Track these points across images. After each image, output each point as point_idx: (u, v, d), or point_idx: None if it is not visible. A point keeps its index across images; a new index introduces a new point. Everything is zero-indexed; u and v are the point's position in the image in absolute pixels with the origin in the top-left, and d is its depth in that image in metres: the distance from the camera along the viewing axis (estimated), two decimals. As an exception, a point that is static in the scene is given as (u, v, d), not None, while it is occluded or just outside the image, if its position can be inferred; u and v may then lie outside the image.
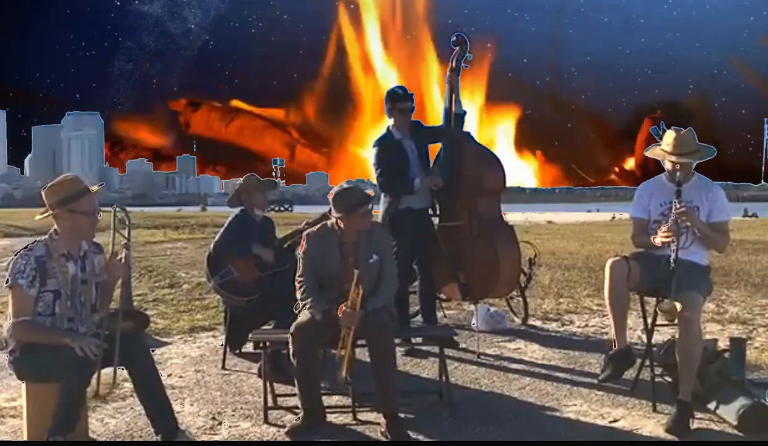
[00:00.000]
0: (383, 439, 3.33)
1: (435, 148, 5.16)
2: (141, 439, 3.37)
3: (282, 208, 54.80)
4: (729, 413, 3.42)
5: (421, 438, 3.36)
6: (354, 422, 3.58)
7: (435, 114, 5.22)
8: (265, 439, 3.41)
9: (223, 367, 4.62)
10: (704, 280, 3.64)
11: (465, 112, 5.04)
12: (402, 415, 3.46)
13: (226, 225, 4.72)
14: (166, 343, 5.36)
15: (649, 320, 3.83)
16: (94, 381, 3.01)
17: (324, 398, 3.62)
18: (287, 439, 3.36)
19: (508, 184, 5.21)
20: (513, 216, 19.00)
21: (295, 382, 3.47)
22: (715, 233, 3.65)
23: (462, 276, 4.93)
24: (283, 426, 3.49)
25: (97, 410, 3.73)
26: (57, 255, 3.05)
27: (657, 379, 3.78)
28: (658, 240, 3.58)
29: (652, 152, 3.76)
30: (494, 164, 4.98)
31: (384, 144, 4.93)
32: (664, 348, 3.98)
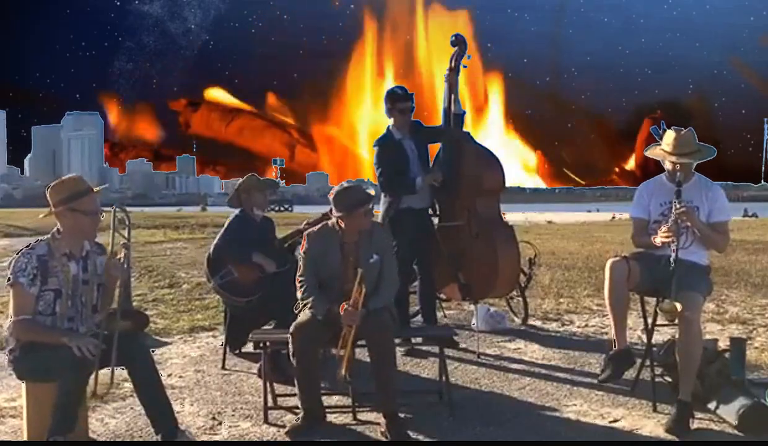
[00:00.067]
0: (383, 439, 3.33)
1: (435, 148, 5.16)
2: (141, 439, 3.37)
3: (282, 208, 54.84)
4: (729, 413, 3.42)
5: (421, 438, 3.36)
6: (354, 422, 3.57)
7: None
8: (265, 439, 3.41)
9: (223, 367, 4.62)
10: (704, 280, 3.64)
11: (464, 112, 5.04)
12: (402, 415, 3.46)
13: (225, 226, 4.71)
14: (166, 343, 5.36)
15: (649, 320, 3.83)
16: (92, 381, 3.01)
17: (324, 398, 3.62)
18: (287, 439, 3.36)
19: (508, 183, 5.21)
20: (513, 216, 19.00)
21: (295, 382, 3.47)
22: (715, 233, 3.65)
23: (461, 276, 4.93)
24: (283, 426, 3.49)
25: (97, 410, 3.73)
26: (59, 255, 3.06)
27: (657, 379, 3.78)
28: (658, 240, 3.58)
29: (652, 152, 3.76)
30: (493, 164, 4.98)
31: (384, 144, 4.93)
32: (664, 348, 3.98)
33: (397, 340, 3.93)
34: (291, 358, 3.41)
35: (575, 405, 3.82)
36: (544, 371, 4.49)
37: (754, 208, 37.55)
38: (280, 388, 3.93)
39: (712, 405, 3.56)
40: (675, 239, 3.50)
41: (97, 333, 3.06)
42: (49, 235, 3.11)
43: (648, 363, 3.84)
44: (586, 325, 5.89)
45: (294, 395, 3.60)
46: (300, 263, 3.63)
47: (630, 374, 3.81)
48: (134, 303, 4.25)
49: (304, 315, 3.47)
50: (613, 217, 30.37)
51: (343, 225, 3.54)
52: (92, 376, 2.98)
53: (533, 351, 5.01)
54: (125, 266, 3.16)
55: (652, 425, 3.48)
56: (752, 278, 8.22)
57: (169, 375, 4.42)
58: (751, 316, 6.12)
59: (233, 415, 3.71)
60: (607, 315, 3.88)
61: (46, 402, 2.91)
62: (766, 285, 7.76)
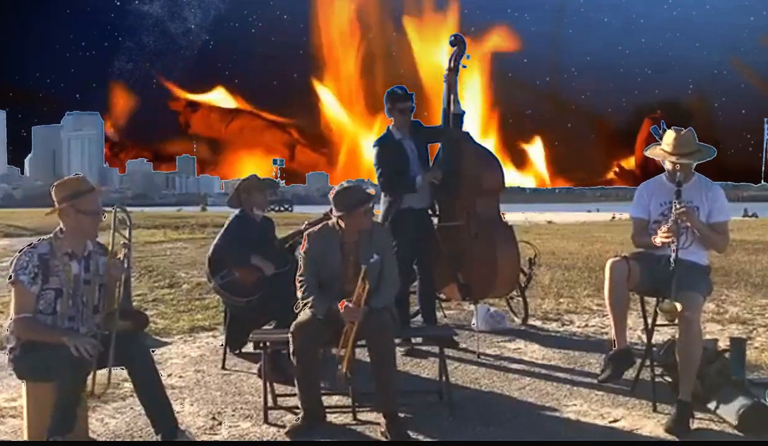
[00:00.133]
0: (383, 439, 3.33)
1: (434, 148, 5.16)
2: (141, 439, 3.37)
3: (282, 208, 54.80)
4: (729, 413, 3.42)
5: (421, 438, 3.36)
6: (354, 422, 3.57)
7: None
8: (265, 439, 3.41)
9: (223, 367, 4.62)
10: (704, 280, 3.64)
11: (464, 112, 5.04)
12: (402, 415, 3.46)
13: (225, 226, 4.72)
14: (166, 343, 5.36)
15: (649, 320, 3.83)
16: (90, 380, 3.01)
17: (324, 398, 3.62)
18: (287, 439, 3.36)
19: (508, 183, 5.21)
20: (513, 216, 18.99)
21: (295, 382, 3.47)
22: (715, 233, 3.65)
23: (461, 276, 4.93)
24: (283, 426, 3.49)
25: (97, 410, 3.73)
26: (60, 254, 3.07)
27: (657, 379, 3.78)
28: (658, 240, 3.58)
29: (652, 152, 3.76)
30: (493, 164, 4.99)
31: (384, 144, 4.93)
32: (664, 348, 3.98)
33: (397, 340, 3.93)
34: (291, 358, 3.41)
35: (575, 405, 3.82)
36: (544, 371, 4.49)
37: (754, 208, 37.54)
38: (280, 388, 3.93)
39: (712, 405, 3.56)
40: (675, 239, 3.50)
41: (96, 333, 3.06)
42: (51, 234, 3.13)
43: (648, 363, 3.84)
44: (586, 325, 5.89)
45: (294, 395, 3.60)
46: (300, 263, 3.63)
47: (630, 374, 3.81)
48: (134, 303, 4.24)
49: (304, 315, 3.47)
50: (613, 217, 30.37)
51: (343, 224, 3.54)
52: (90, 376, 2.99)
53: (533, 351, 5.01)
54: (125, 265, 3.16)
55: (652, 425, 3.48)
56: (752, 278, 8.22)
57: (169, 375, 4.42)
58: (751, 316, 6.12)
59: (233, 415, 3.71)
60: (607, 315, 3.88)
61: (46, 402, 2.91)
62: (766, 285, 7.76)
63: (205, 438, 3.41)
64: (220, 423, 3.59)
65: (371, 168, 5.01)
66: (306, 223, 4.71)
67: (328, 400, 3.72)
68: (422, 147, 5.00)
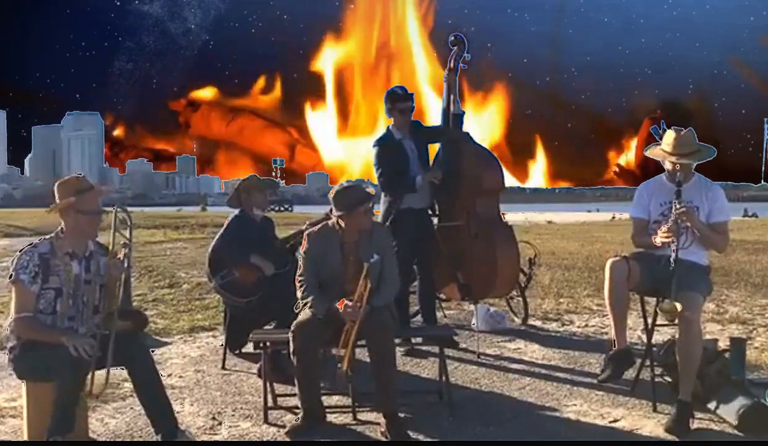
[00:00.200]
0: (383, 439, 3.33)
1: (434, 148, 5.16)
2: (141, 439, 3.37)
3: (282, 208, 54.79)
4: (729, 413, 3.42)
5: (421, 438, 3.36)
6: (354, 422, 3.57)
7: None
8: (265, 439, 3.41)
9: (223, 367, 4.62)
10: (704, 280, 3.64)
11: (464, 113, 5.04)
12: (402, 415, 3.46)
13: (224, 226, 4.72)
14: (166, 343, 5.36)
15: (649, 320, 3.83)
16: (89, 380, 3.01)
17: (324, 398, 3.62)
18: (287, 439, 3.36)
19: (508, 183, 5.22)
20: (513, 216, 19.00)
21: (295, 381, 3.47)
22: (715, 233, 3.65)
23: (461, 276, 4.93)
24: (283, 426, 3.49)
25: (97, 410, 3.73)
26: (61, 254, 3.07)
27: (657, 379, 3.78)
28: (658, 240, 3.58)
29: (652, 152, 3.76)
30: (493, 164, 4.98)
31: (384, 144, 4.93)
32: (664, 348, 3.98)
33: (397, 340, 3.93)
34: (291, 357, 3.41)
35: (575, 405, 3.82)
36: (544, 371, 4.49)
37: (754, 208, 37.54)
38: (280, 388, 3.93)
39: (712, 405, 3.56)
40: (675, 239, 3.50)
41: (95, 333, 3.06)
42: (53, 234, 3.13)
43: (648, 363, 3.84)
44: (586, 325, 5.89)
45: (294, 395, 3.60)
46: (300, 263, 3.63)
47: (630, 374, 3.81)
48: (134, 303, 4.24)
49: (304, 314, 3.47)
50: (613, 217, 30.38)
51: (343, 224, 3.55)
52: (89, 376, 2.99)
53: (533, 351, 5.01)
54: (125, 265, 3.17)
55: (652, 425, 3.48)
56: (752, 278, 8.22)
57: (169, 375, 4.42)
58: (751, 316, 6.12)
59: (233, 415, 3.71)
60: (607, 315, 3.88)
61: (46, 402, 2.91)
62: (766, 285, 7.76)
63: (205, 438, 3.41)
64: (220, 423, 3.59)
65: (370, 168, 5.02)
66: (307, 223, 4.71)
67: (328, 400, 3.72)
68: (422, 147, 5.00)
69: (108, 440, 3.38)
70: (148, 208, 46.96)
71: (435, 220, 5.11)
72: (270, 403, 3.69)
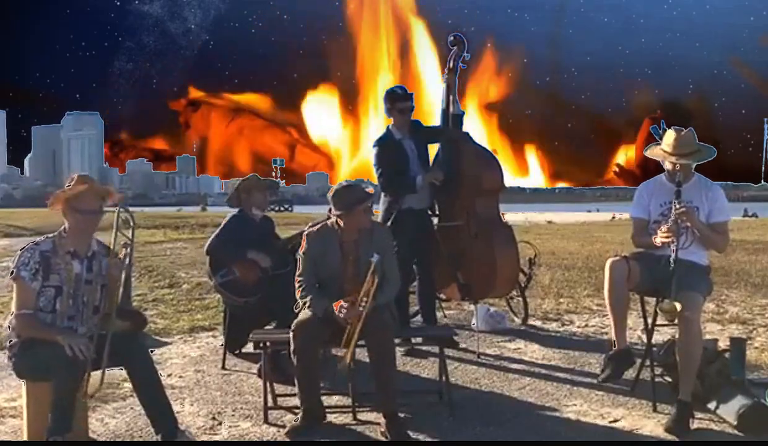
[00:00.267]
0: (383, 439, 3.33)
1: (434, 148, 5.16)
2: (141, 439, 3.37)
3: (282, 208, 54.75)
4: (729, 413, 3.42)
5: (421, 438, 3.36)
6: (354, 422, 3.57)
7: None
8: (265, 439, 3.41)
9: (223, 367, 4.62)
10: (704, 280, 3.64)
11: (463, 113, 5.04)
12: (402, 415, 3.45)
13: (222, 225, 4.71)
14: (166, 343, 5.36)
15: (649, 320, 3.83)
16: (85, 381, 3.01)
17: (324, 398, 3.62)
18: (287, 439, 3.36)
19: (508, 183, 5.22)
20: (513, 216, 18.99)
21: (295, 381, 3.47)
22: (715, 233, 3.65)
23: (461, 276, 4.93)
24: (283, 426, 3.49)
25: (97, 410, 3.73)
26: (63, 253, 3.08)
27: (657, 379, 3.78)
28: (658, 240, 3.58)
29: (652, 152, 3.76)
30: (492, 164, 4.99)
31: (384, 144, 4.93)
32: (664, 348, 3.98)
33: (397, 340, 3.93)
34: (291, 356, 3.41)
35: (575, 405, 3.82)
36: (544, 371, 4.49)
37: (754, 208, 37.51)
38: (280, 388, 3.93)
39: (712, 405, 3.56)
40: (675, 239, 3.50)
41: (93, 333, 3.06)
42: (56, 233, 3.15)
43: (648, 363, 3.84)
44: (586, 325, 5.89)
45: (294, 395, 3.60)
46: (299, 263, 3.63)
47: (630, 374, 3.81)
48: (134, 303, 4.25)
49: (304, 314, 3.47)
50: (613, 217, 30.35)
51: (342, 223, 3.55)
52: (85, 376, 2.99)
53: (533, 351, 5.01)
54: (125, 264, 3.17)
55: (652, 425, 3.48)
56: (752, 278, 8.22)
57: (169, 375, 4.42)
58: (751, 316, 6.12)
59: (233, 415, 3.71)
60: (607, 315, 3.88)
61: (45, 401, 2.91)
62: (766, 285, 7.76)
63: (205, 438, 3.41)
64: (220, 423, 3.59)
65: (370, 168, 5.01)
66: (309, 224, 4.71)
67: (328, 400, 3.72)
68: (422, 147, 5.00)
69: (108, 440, 3.38)
70: (148, 208, 46.97)
71: (435, 220, 5.11)
72: (270, 403, 3.69)
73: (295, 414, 3.54)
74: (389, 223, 4.73)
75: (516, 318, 5.96)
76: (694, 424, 3.38)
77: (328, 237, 3.59)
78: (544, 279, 8.01)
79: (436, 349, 4.10)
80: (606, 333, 5.22)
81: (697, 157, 3.66)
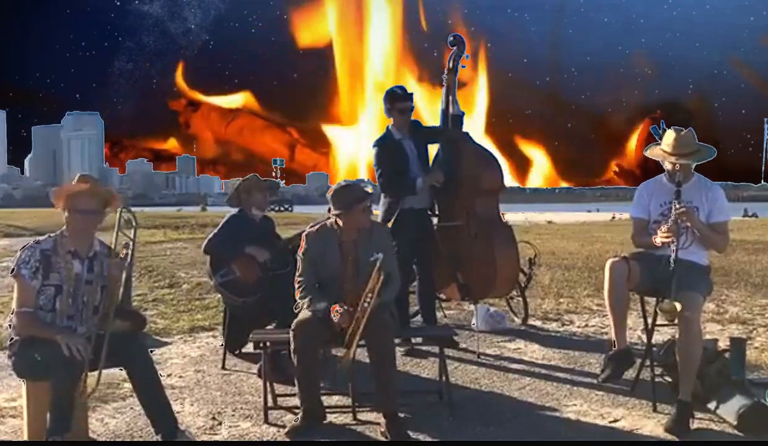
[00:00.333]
0: (383, 439, 3.33)
1: (433, 148, 5.16)
2: (141, 439, 3.37)
3: (282, 208, 54.75)
4: (729, 413, 3.42)
5: (421, 438, 3.36)
6: (354, 422, 3.57)
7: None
8: (265, 439, 3.41)
9: (223, 367, 4.62)
10: (704, 280, 3.64)
11: (463, 114, 5.03)
12: (402, 415, 3.45)
13: (220, 224, 4.71)
14: (166, 343, 5.36)
15: (649, 320, 3.83)
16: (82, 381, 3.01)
17: (324, 398, 3.62)
18: (287, 439, 3.36)
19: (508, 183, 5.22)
20: (513, 216, 18.99)
21: (295, 381, 3.46)
22: (715, 233, 3.65)
23: (460, 276, 4.93)
24: (283, 426, 3.49)
25: (97, 410, 3.73)
26: (63, 252, 3.09)
27: (657, 379, 3.78)
28: (658, 240, 3.58)
29: (652, 152, 3.76)
30: (492, 164, 4.98)
31: (384, 144, 4.93)
32: (664, 348, 3.98)
33: (397, 340, 3.93)
34: (292, 356, 3.41)
35: (575, 405, 3.82)
36: (544, 371, 4.49)
37: (754, 208, 37.51)
38: (280, 388, 3.93)
39: (712, 405, 3.56)
40: (675, 239, 3.50)
41: (92, 333, 3.06)
42: (58, 232, 3.16)
43: (648, 363, 3.83)
44: (586, 325, 5.89)
45: (294, 395, 3.59)
46: (299, 264, 3.63)
47: (630, 374, 3.81)
48: (134, 304, 4.25)
49: (304, 314, 3.47)
50: (613, 217, 30.34)
51: (341, 223, 3.55)
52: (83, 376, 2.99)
53: (533, 351, 5.01)
54: (125, 263, 3.17)
55: (652, 425, 3.48)
56: (752, 278, 8.22)
57: (169, 375, 4.42)
58: (751, 316, 6.12)
59: (233, 415, 3.71)
60: (607, 315, 3.88)
61: (45, 401, 2.91)
62: (766, 285, 7.76)
63: (205, 438, 3.41)
64: (220, 423, 3.59)
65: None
66: (310, 225, 4.71)
67: (328, 400, 3.72)
68: (422, 147, 4.99)
69: (108, 440, 3.38)
70: (148, 208, 46.93)
71: (435, 220, 5.11)
72: (270, 403, 3.69)
73: (295, 414, 3.54)
74: (390, 223, 4.73)
75: (516, 318, 5.96)
76: (694, 424, 3.38)
77: (328, 237, 3.59)
78: (544, 279, 8.01)
79: (436, 349, 4.10)
80: (606, 333, 5.22)
81: (697, 157, 3.66)
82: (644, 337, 4.03)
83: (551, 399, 3.92)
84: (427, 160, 5.03)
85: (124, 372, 3.20)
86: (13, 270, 3.06)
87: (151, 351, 3.33)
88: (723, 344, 4.25)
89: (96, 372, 3.04)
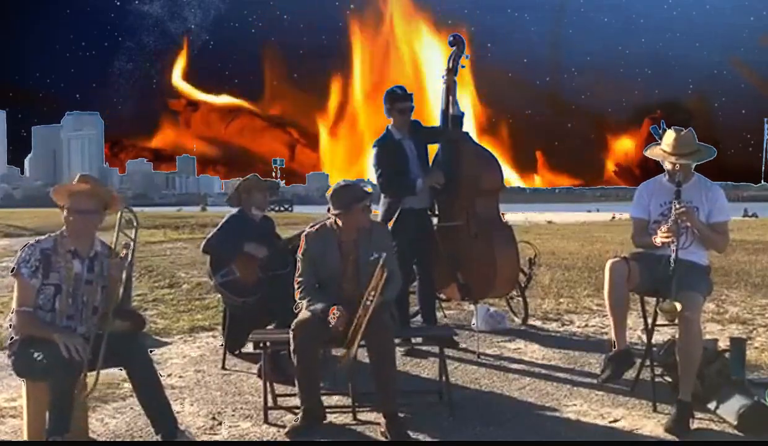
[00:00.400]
0: (383, 439, 3.33)
1: (433, 148, 5.15)
2: (141, 439, 3.37)
3: (282, 208, 54.73)
4: (729, 413, 3.42)
5: (421, 438, 3.36)
6: (354, 422, 3.57)
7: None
8: (265, 439, 3.41)
9: (223, 367, 4.62)
10: (704, 280, 3.64)
11: (463, 114, 5.03)
12: (402, 415, 3.45)
13: (220, 224, 4.71)
14: (166, 343, 5.36)
15: (649, 320, 3.83)
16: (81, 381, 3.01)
17: (324, 398, 3.62)
18: (287, 439, 3.36)
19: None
20: (513, 216, 18.99)
21: (295, 381, 3.46)
22: (715, 233, 3.65)
23: (460, 276, 4.93)
24: (283, 426, 3.49)
25: (97, 410, 3.73)
26: (63, 251, 3.10)
27: (657, 379, 3.78)
28: (658, 240, 3.58)
29: (652, 152, 3.76)
30: (492, 164, 4.98)
31: (384, 144, 4.92)
32: (664, 348, 3.98)
33: (397, 340, 3.93)
34: (291, 356, 3.41)
35: (575, 405, 3.82)
36: (544, 371, 4.49)
37: (754, 208, 37.48)
38: (280, 388, 3.93)
39: (712, 405, 3.56)
40: (675, 239, 3.50)
41: (91, 334, 3.06)
42: (58, 232, 3.16)
43: (648, 363, 3.83)
44: (586, 325, 5.89)
45: (294, 395, 3.60)
46: (299, 264, 3.63)
47: (630, 374, 3.81)
48: (134, 304, 4.26)
49: (304, 314, 3.47)
50: (613, 217, 30.32)
51: (341, 223, 3.55)
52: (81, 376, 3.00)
53: (533, 351, 5.01)
54: (125, 263, 3.17)
55: (652, 425, 3.48)
56: (752, 278, 8.22)
57: (169, 375, 4.42)
58: (751, 316, 6.12)
59: (233, 415, 3.71)
60: (607, 315, 3.89)
61: (45, 401, 2.91)
62: (766, 285, 7.76)
63: (205, 438, 3.41)
64: (220, 423, 3.59)
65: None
66: (310, 225, 4.70)
67: (328, 400, 3.72)
68: (422, 147, 4.99)
69: (108, 440, 3.38)
70: (148, 208, 46.90)
71: (435, 220, 5.11)
72: (270, 403, 3.69)
73: (295, 414, 3.54)
74: (390, 223, 4.73)
75: (516, 318, 5.96)
76: (694, 424, 3.38)
77: (327, 237, 3.59)
78: (544, 279, 8.01)
79: (436, 349, 4.10)
80: (606, 333, 5.22)
81: (697, 157, 3.66)
82: (644, 337, 4.03)
83: (551, 399, 3.92)
84: (427, 160, 5.03)
85: (124, 372, 3.20)
86: (13, 269, 3.07)
87: (151, 351, 3.33)
88: (723, 344, 4.25)
89: (93, 372, 3.05)
